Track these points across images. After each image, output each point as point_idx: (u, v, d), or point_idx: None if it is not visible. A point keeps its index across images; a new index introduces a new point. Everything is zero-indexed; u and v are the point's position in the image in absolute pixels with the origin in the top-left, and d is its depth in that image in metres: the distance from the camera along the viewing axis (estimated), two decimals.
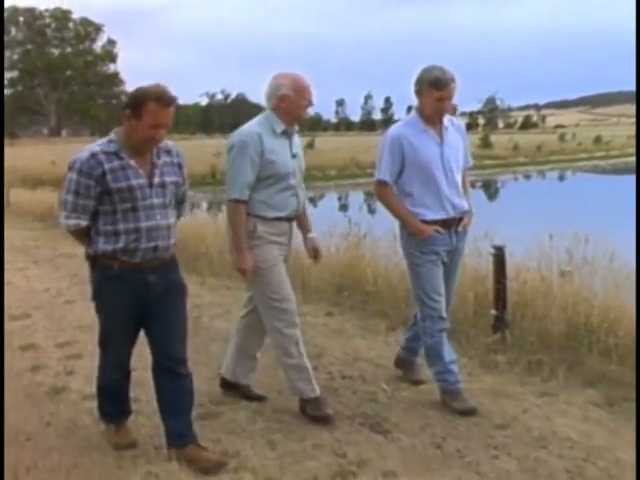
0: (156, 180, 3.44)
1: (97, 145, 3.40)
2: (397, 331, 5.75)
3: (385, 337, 5.64)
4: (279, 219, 4.07)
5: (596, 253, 5.67)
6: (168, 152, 3.55)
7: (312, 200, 27.09)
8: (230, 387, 4.45)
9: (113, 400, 3.81)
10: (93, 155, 3.33)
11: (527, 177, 44.00)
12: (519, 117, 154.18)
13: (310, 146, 52.79)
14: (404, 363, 4.81)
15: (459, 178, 4.37)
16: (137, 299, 3.49)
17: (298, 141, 4.25)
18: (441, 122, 4.30)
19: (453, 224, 4.33)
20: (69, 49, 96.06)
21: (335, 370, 4.90)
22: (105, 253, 3.41)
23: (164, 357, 3.57)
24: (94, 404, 4.29)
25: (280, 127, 4.05)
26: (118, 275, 3.43)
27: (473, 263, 5.98)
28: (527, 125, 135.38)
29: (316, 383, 4.12)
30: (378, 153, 4.35)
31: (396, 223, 4.47)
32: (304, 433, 3.84)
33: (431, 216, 4.26)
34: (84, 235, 3.47)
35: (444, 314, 4.31)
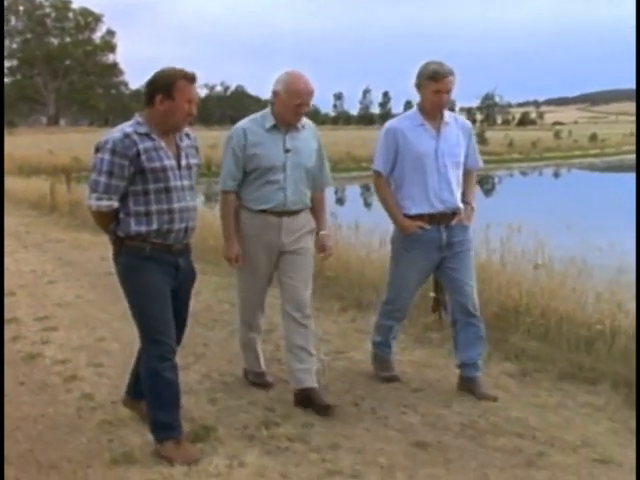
0: (183, 162, 3.51)
1: (127, 126, 3.41)
2: (348, 312, 6.32)
3: (336, 317, 6.17)
4: (264, 212, 4.13)
5: (527, 243, 6.21)
6: (187, 135, 3.61)
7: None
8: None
9: (166, 400, 3.52)
10: (127, 135, 3.35)
11: (521, 174, 44.39)
12: (517, 114, 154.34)
13: None
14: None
15: (455, 174, 4.42)
16: (171, 279, 3.51)
17: (307, 136, 4.23)
18: (442, 117, 4.38)
19: (442, 220, 4.37)
20: (68, 39, 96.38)
21: (282, 343, 5.44)
22: (139, 234, 3.40)
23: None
24: (63, 368, 4.88)
25: (270, 122, 4.12)
26: (151, 256, 3.43)
27: None
28: (525, 122, 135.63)
29: (262, 361, 4.54)
30: (377, 145, 4.49)
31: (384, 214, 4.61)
32: (243, 393, 4.39)
33: (415, 210, 4.35)
34: (112, 217, 3.44)
35: (405, 313, 4.67)
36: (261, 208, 4.13)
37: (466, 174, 4.56)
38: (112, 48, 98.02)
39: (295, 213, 4.20)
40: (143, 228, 3.40)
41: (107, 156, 3.33)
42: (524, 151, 57.68)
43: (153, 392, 3.50)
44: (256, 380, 4.51)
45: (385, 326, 4.67)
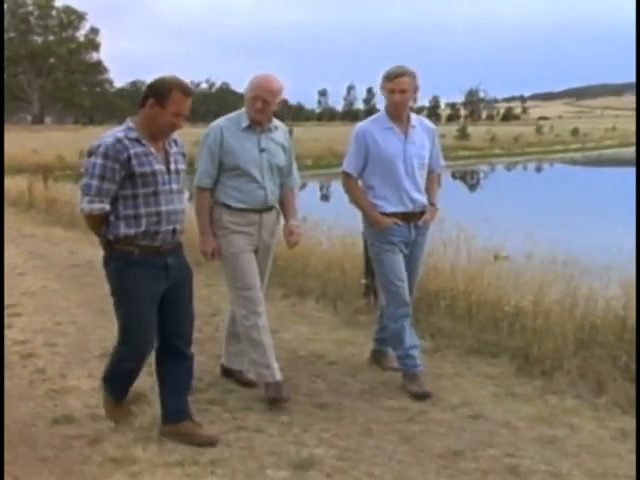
0: (172, 167, 3.60)
1: (119, 131, 3.49)
2: (290, 299, 6.87)
3: (276, 302, 6.71)
4: (244, 210, 4.25)
5: (451, 233, 6.78)
6: (175, 142, 3.71)
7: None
8: (227, 374, 4.69)
9: (126, 384, 3.88)
10: (119, 140, 3.43)
11: (493, 168, 44.75)
12: (502, 109, 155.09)
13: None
14: (377, 354, 5.03)
15: (420, 175, 4.60)
16: (159, 282, 3.60)
17: (279, 136, 4.38)
18: (408, 120, 4.55)
19: (413, 218, 4.56)
20: (52, 37, 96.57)
21: (222, 325, 5.99)
22: (127, 237, 3.50)
23: (176, 337, 3.73)
24: (22, 347, 5.42)
25: (245, 122, 4.23)
26: (139, 260, 3.52)
27: (355, 240, 7.07)
28: (509, 117, 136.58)
29: (277, 368, 4.28)
30: (348, 146, 4.65)
31: (357, 213, 4.79)
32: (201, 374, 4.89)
33: (389, 209, 4.51)
34: (103, 220, 3.52)
35: (407, 299, 4.57)
36: (241, 207, 4.25)
37: (430, 175, 4.74)
38: (96, 46, 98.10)
39: (271, 209, 4.40)
40: (132, 230, 3.49)
41: (99, 160, 3.42)
42: (505, 146, 57.80)
43: (115, 378, 3.83)
44: (271, 395, 4.24)
45: (396, 331, 4.60)
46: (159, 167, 3.53)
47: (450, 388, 4.52)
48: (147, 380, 4.50)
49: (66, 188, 15.94)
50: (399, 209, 4.53)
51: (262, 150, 4.26)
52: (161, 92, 3.46)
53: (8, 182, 20.58)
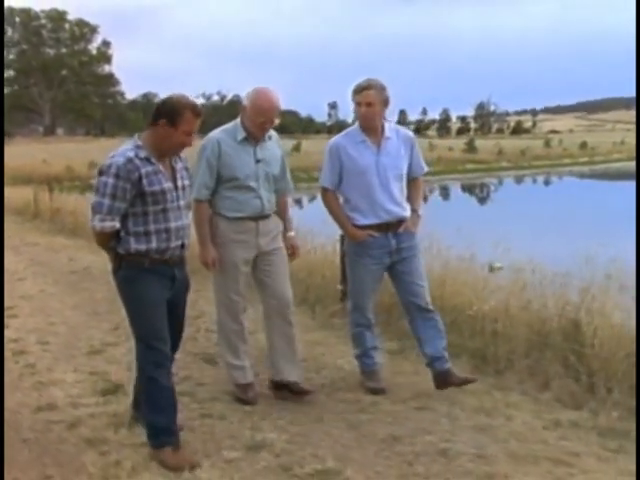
0: (179, 183, 3.71)
1: (128, 151, 3.56)
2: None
3: (258, 306, 7.00)
4: (241, 219, 4.34)
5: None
6: (180, 158, 3.81)
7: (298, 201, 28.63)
8: (278, 387, 4.61)
9: (162, 405, 3.68)
10: (130, 160, 3.52)
11: (492, 182, 45.00)
12: (512, 122, 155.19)
13: (296, 149, 54.15)
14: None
15: (397, 186, 4.66)
16: (166, 290, 3.71)
17: (273, 146, 4.49)
18: (382, 132, 4.60)
19: (390, 228, 4.63)
20: (64, 49, 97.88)
21: (204, 327, 6.38)
22: (138, 252, 3.61)
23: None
24: (15, 345, 5.82)
25: (241, 134, 4.31)
26: (149, 269, 3.64)
27: (333, 249, 7.45)
28: (519, 130, 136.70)
29: (250, 371, 4.57)
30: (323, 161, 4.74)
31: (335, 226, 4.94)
32: None
33: (363, 221, 4.61)
34: (113, 237, 3.62)
35: (369, 315, 4.81)
36: (238, 215, 4.34)
37: (412, 182, 4.81)
38: (108, 59, 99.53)
39: (268, 216, 4.48)
40: (143, 246, 3.60)
41: (111, 180, 3.50)
42: (513, 159, 58.06)
43: (150, 398, 3.68)
44: (242, 396, 4.50)
45: (356, 334, 4.86)
46: (168, 185, 3.63)
47: (405, 384, 4.89)
48: (125, 374, 4.92)
49: (70, 199, 16.41)
50: (372, 221, 4.60)
51: (258, 161, 4.36)
52: (173, 113, 3.54)
53: (16, 192, 21.14)
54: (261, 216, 4.41)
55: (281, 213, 4.63)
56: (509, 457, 3.73)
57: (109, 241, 3.64)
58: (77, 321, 6.67)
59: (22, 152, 45.63)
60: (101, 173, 3.55)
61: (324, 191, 4.74)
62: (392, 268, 4.74)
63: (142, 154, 3.57)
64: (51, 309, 7.13)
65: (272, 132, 4.48)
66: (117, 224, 3.58)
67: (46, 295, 7.84)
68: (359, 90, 4.54)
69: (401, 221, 4.67)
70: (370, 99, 4.50)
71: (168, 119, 3.55)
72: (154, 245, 3.62)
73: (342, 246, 6.79)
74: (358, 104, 4.55)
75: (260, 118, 4.25)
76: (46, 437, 4.01)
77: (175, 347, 3.93)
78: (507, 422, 4.22)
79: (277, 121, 4.38)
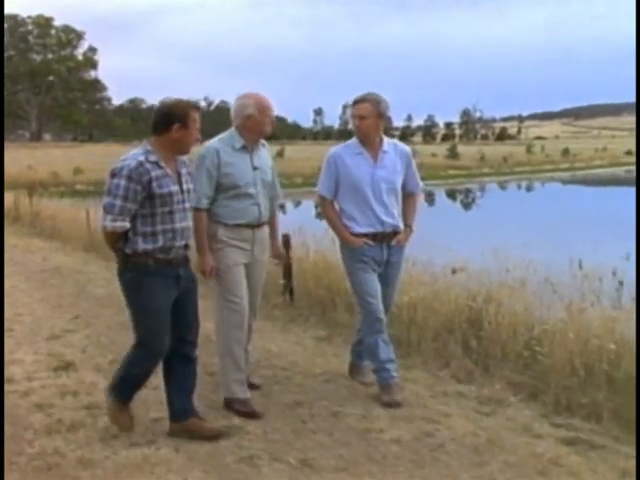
0: (185, 187, 3.91)
1: (139, 155, 3.75)
2: None
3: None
4: (239, 226, 4.45)
5: None
6: (184, 163, 4.01)
7: (282, 207, 29.25)
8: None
9: (136, 387, 4.12)
10: (141, 164, 3.70)
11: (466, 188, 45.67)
12: (497, 128, 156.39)
13: (280, 155, 54.64)
14: (353, 367, 5.23)
15: (390, 199, 4.77)
16: (171, 290, 3.88)
17: (265, 154, 4.64)
18: (380, 145, 4.72)
19: (384, 238, 4.75)
20: (51, 55, 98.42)
21: None
22: (146, 251, 3.77)
23: (182, 342, 3.99)
24: None
25: (240, 143, 4.42)
26: (154, 271, 3.79)
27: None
28: (503, 137, 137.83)
29: (246, 385, 4.60)
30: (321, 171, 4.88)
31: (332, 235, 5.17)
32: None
33: (358, 230, 4.72)
34: (121, 237, 3.78)
35: (381, 315, 4.74)
36: (237, 222, 4.44)
37: (407, 197, 4.95)
38: (94, 64, 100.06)
39: (263, 224, 4.63)
40: (149, 246, 3.77)
41: (123, 182, 3.67)
42: (495, 166, 58.75)
43: (128, 376, 4.06)
44: (242, 409, 4.48)
45: (372, 345, 4.80)
46: (175, 188, 3.82)
47: (321, 363, 5.60)
48: (78, 355, 5.62)
49: (50, 203, 17.11)
50: (369, 230, 4.72)
51: (255, 168, 4.48)
52: (182, 116, 3.78)
53: None
54: (258, 224, 4.54)
55: (272, 225, 4.80)
56: (389, 417, 4.46)
57: (117, 241, 3.80)
58: (42, 313, 7.37)
59: (8, 158, 45.96)
60: (113, 175, 3.72)
61: (322, 200, 4.85)
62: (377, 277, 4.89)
63: (152, 158, 3.76)
64: (20, 302, 7.81)
65: (263, 140, 4.64)
66: (127, 224, 3.73)
67: (17, 290, 8.52)
68: (355, 102, 4.69)
69: (395, 232, 4.81)
70: (363, 112, 4.62)
71: (181, 123, 3.78)
72: (160, 243, 3.79)
73: (287, 248, 7.53)
74: (353, 117, 4.69)
75: (269, 112, 4.47)
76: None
77: (193, 344, 4.10)
78: (400, 392, 4.92)
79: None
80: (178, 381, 4.07)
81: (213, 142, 4.49)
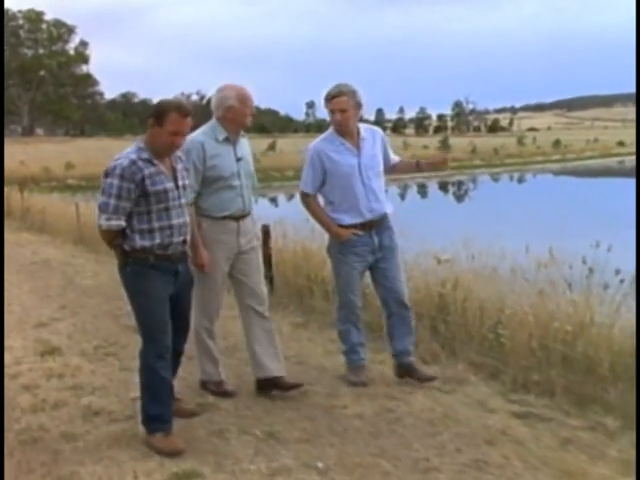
0: (180, 183, 3.90)
1: (132, 153, 3.75)
2: None
3: None
4: (225, 218, 4.49)
5: None
6: (180, 159, 4.00)
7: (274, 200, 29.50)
8: (263, 385, 4.77)
9: (159, 394, 3.92)
10: (133, 162, 3.71)
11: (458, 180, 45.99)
12: (490, 120, 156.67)
13: (272, 148, 54.89)
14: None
15: (378, 184, 4.82)
16: (170, 285, 3.90)
17: (246, 145, 4.66)
18: (358, 134, 4.77)
19: (372, 225, 4.81)
20: (42, 50, 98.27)
21: None
22: (144, 248, 3.79)
23: (173, 335, 3.96)
24: None
25: (222, 135, 4.44)
26: (154, 265, 3.82)
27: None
28: (496, 129, 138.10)
29: (222, 369, 4.81)
30: (303, 166, 4.86)
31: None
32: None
33: (348, 221, 4.77)
34: (119, 235, 3.80)
35: (358, 311, 5.00)
36: (223, 215, 4.48)
37: (393, 165, 5.05)
38: (85, 59, 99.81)
39: (248, 215, 4.64)
40: (147, 243, 3.79)
41: (116, 181, 3.68)
42: (486, 158, 58.89)
43: (148, 387, 3.93)
44: (217, 390, 4.72)
45: (344, 331, 5.04)
46: (169, 185, 3.82)
47: (295, 347, 5.89)
48: (64, 341, 5.92)
49: (40, 198, 17.39)
50: (357, 220, 4.77)
51: (239, 159, 4.52)
52: (159, 112, 3.75)
53: None
54: (242, 215, 4.57)
55: None
56: (354, 395, 4.77)
57: (114, 239, 3.83)
58: (31, 303, 7.67)
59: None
60: (107, 175, 3.72)
61: (305, 195, 4.88)
62: (374, 265, 4.95)
63: (144, 156, 3.77)
64: (10, 293, 8.08)
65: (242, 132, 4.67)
66: (123, 223, 3.76)
67: (6, 283, 8.71)
68: (330, 98, 4.69)
69: (383, 218, 4.89)
70: (343, 105, 4.65)
71: (155, 119, 3.75)
72: (158, 241, 3.80)
73: (267, 238, 7.81)
74: (332, 111, 4.69)
75: (250, 103, 4.50)
76: None
77: (184, 339, 4.16)
78: (367, 373, 5.22)
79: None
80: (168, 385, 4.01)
81: (196, 135, 4.47)
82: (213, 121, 4.53)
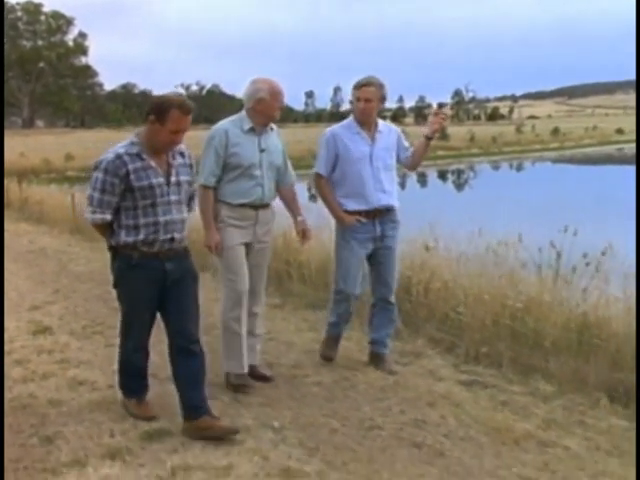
0: (173, 179, 3.85)
1: (121, 147, 3.76)
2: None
3: None
4: (243, 205, 4.57)
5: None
6: (181, 154, 3.95)
7: None
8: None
9: (133, 376, 4.24)
10: (118, 157, 3.71)
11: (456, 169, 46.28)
12: (489, 109, 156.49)
13: None
14: (373, 357, 5.32)
15: (386, 176, 4.95)
16: (156, 284, 3.88)
17: (275, 138, 4.75)
18: (376, 126, 4.95)
19: (377, 214, 4.93)
20: (41, 42, 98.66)
21: None
22: (127, 244, 3.81)
23: (180, 337, 3.97)
24: None
25: (248, 125, 4.56)
26: (138, 263, 3.83)
27: None
28: (495, 117, 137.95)
29: (246, 361, 4.78)
30: (318, 149, 5.04)
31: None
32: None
33: (352, 206, 4.91)
34: (107, 228, 3.84)
35: (350, 296, 5.13)
36: (240, 202, 4.57)
37: (408, 157, 5.10)
38: (84, 50, 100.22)
39: (268, 206, 4.73)
40: (131, 239, 3.80)
41: (101, 175, 3.72)
42: (484, 146, 58.87)
43: (125, 373, 4.28)
44: (237, 382, 4.75)
45: (337, 313, 5.23)
46: (157, 180, 3.79)
47: (270, 326, 6.27)
48: (55, 322, 6.37)
49: (38, 190, 17.85)
50: (361, 207, 4.91)
51: (262, 150, 4.61)
52: (161, 110, 3.70)
53: None
54: (262, 205, 4.66)
55: (290, 202, 4.90)
56: (315, 366, 5.25)
57: (105, 232, 3.90)
58: (26, 288, 8.13)
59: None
60: (95, 168, 3.78)
61: (318, 177, 5.01)
62: (372, 255, 5.10)
63: (133, 150, 3.77)
64: (6, 280, 8.48)
65: (273, 125, 4.78)
66: (107, 217, 3.80)
67: (4, 270, 9.25)
68: (359, 86, 4.86)
69: (389, 209, 5.02)
70: (369, 95, 4.83)
71: (156, 116, 3.71)
72: (142, 237, 3.80)
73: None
74: (357, 99, 4.85)
75: (280, 97, 4.62)
76: None
77: (191, 337, 4.03)
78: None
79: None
80: (182, 377, 4.02)
81: (223, 123, 4.65)
82: (242, 112, 4.67)
